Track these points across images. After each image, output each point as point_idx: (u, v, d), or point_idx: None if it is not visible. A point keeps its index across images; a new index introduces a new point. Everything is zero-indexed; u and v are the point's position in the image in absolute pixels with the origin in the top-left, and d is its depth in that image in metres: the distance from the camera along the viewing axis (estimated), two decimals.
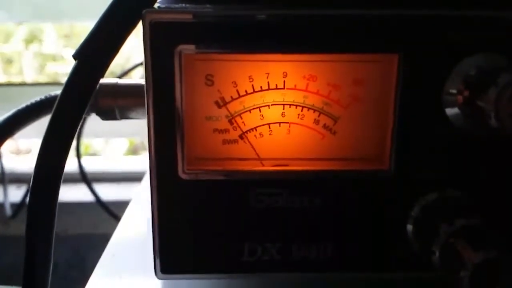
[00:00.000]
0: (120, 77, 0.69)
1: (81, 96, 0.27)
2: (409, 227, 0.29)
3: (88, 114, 0.43)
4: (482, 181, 0.29)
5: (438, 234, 0.27)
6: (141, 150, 1.19)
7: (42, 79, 1.22)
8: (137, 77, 0.90)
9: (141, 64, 0.79)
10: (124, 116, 0.42)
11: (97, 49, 0.27)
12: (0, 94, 0.99)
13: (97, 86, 0.40)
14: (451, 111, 0.27)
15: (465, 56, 0.27)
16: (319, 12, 0.27)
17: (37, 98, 0.42)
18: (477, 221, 0.26)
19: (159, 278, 0.30)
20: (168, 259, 0.30)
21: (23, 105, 0.41)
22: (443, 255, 0.26)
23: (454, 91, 0.27)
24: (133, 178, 0.96)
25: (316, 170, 0.30)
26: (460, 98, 0.26)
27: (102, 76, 0.27)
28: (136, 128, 0.80)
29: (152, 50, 0.27)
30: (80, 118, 0.27)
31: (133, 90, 0.41)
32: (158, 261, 0.30)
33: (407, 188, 0.29)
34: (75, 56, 0.27)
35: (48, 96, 0.41)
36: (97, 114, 0.42)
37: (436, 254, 0.27)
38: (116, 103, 0.41)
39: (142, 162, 1.04)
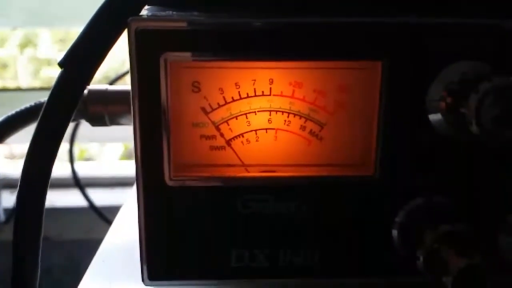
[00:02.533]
0: (113, 81, 0.69)
1: (67, 103, 0.27)
2: (394, 232, 0.30)
3: (78, 120, 0.44)
4: (466, 187, 0.29)
5: (423, 239, 0.27)
6: None
7: (37, 83, 1.22)
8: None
9: None
10: (113, 122, 0.43)
11: (82, 57, 0.27)
12: None
13: (87, 93, 0.41)
14: (434, 117, 0.28)
15: (448, 63, 0.27)
16: (304, 20, 0.27)
17: (27, 105, 0.42)
18: (461, 227, 0.27)
19: (146, 285, 0.31)
20: (155, 266, 0.30)
21: (13, 111, 0.41)
22: (427, 260, 0.27)
23: (437, 97, 0.27)
24: (127, 183, 0.96)
25: (302, 176, 0.30)
26: (443, 104, 0.27)
27: (88, 83, 0.28)
28: (131, 133, 0.80)
29: (138, 58, 0.27)
30: (66, 125, 0.28)
31: (122, 97, 0.41)
32: (145, 268, 0.30)
33: (392, 194, 0.29)
34: (60, 64, 0.27)
35: (37, 102, 0.42)
36: (87, 120, 0.42)
37: (420, 259, 0.27)
38: (106, 110, 0.41)
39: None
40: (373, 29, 0.27)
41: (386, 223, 0.30)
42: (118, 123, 0.43)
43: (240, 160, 0.31)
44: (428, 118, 0.28)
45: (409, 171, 0.29)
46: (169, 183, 0.29)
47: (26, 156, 0.27)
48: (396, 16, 0.27)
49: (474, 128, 0.24)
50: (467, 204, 0.29)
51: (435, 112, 0.27)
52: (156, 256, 0.30)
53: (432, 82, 0.27)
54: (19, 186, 0.27)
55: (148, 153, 0.29)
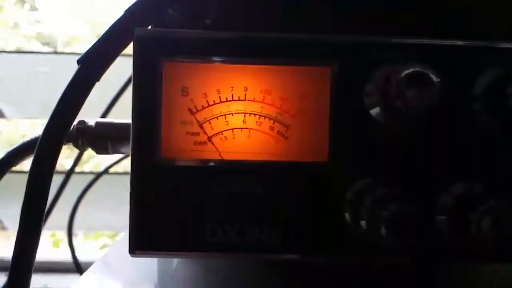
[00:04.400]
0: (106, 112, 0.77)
1: (81, 95, 0.34)
2: (347, 209, 0.35)
3: (85, 148, 0.50)
4: (405, 167, 0.35)
5: (364, 204, 0.32)
6: None
7: None
8: None
9: None
10: (115, 151, 0.49)
11: (97, 58, 0.34)
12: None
13: (94, 125, 0.48)
14: (373, 111, 0.34)
15: (377, 66, 0.34)
16: (270, 35, 0.36)
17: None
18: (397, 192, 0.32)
19: (132, 256, 0.35)
20: (140, 239, 0.35)
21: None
22: (369, 221, 0.31)
23: (372, 91, 0.34)
24: None
25: (269, 161, 0.36)
26: (376, 97, 0.33)
27: (98, 79, 0.35)
28: None
29: (139, 61, 0.35)
30: (77, 111, 0.34)
31: (123, 129, 0.48)
32: (132, 240, 0.35)
33: (342, 176, 0.35)
34: (79, 62, 0.34)
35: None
36: (92, 148, 0.49)
37: (363, 224, 0.32)
38: (110, 140, 0.48)
39: None
40: (325, 43, 0.35)
41: (338, 202, 0.35)
42: (119, 152, 0.49)
43: (219, 154, 0.37)
44: (368, 112, 0.35)
45: (356, 157, 0.35)
46: (157, 164, 0.35)
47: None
48: (341, 34, 0.36)
49: (398, 104, 0.31)
50: (406, 181, 0.35)
51: (373, 106, 0.34)
52: (141, 230, 0.35)
53: (368, 82, 0.35)
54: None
55: (141, 138, 0.35)
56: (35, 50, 1.71)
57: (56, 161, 0.33)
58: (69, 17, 1.83)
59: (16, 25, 1.82)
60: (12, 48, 1.79)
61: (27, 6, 1.85)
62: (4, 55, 1.28)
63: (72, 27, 1.82)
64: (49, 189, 0.33)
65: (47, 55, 1.34)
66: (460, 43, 0.36)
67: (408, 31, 0.35)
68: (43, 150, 0.33)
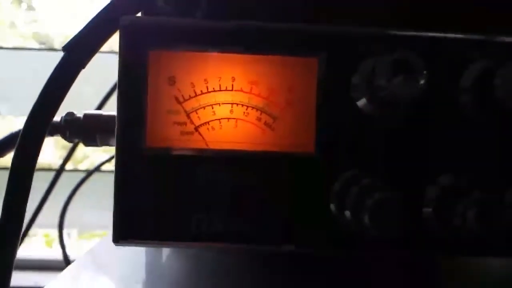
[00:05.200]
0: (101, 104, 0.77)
1: (66, 82, 0.34)
2: (332, 200, 0.34)
3: (74, 140, 0.50)
4: (390, 159, 0.35)
5: (349, 195, 0.32)
6: None
7: None
8: None
9: None
10: (104, 143, 0.49)
11: (83, 45, 0.34)
12: None
13: (83, 116, 0.47)
14: (360, 102, 0.34)
15: (363, 58, 0.34)
16: (259, 24, 0.36)
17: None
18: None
19: (116, 245, 0.34)
20: (124, 227, 0.35)
21: None
22: (354, 211, 0.31)
23: (358, 83, 0.34)
24: None
25: (256, 151, 0.36)
26: (362, 88, 0.33)
27: (83, 66, 0.34)
28: None
29: (124, 50, 0.35)
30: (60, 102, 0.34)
31: (114, 121, 0.48)
32: (116, 228, 0.34)
33: (329, 168, 0.35)
34: (64, 48, 0.34)
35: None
36: (82, 140, 0.48)
37: (347, 214, 0.32)
38: (98, 132, 0.48)
39: None
40: (313, 34, 0.35)
41: (324, 193, 0.35)
42: (108, 144, 0.49)
43: (206, 144, 0.37)
44: (355, 103, 0.35)
45: (343, 148, 0.35)
46: (142, 153, 0.35)
47: None
48: (328, 25, 0.35)
49: (384, 94, 0.31)
50: (392, 172, 0.35)
51: (359, 98, 0.34)
52: (125, 219, 0.35)
53: (354, 74, 0.34)
54: None
55: (126, 127, 0.35)
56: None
57: (38, 155, 0.33)
58: (66, 16, 1.83)
59: (12, 25, 1.82)
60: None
61: (23, 5, 1.84)
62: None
63: (68, 26, 1.82)
64: (30, 184, 0.33)
65: (42, 52, 1.35)
66: (447, 35, 0.36)
67: (395, 22, 0.35)
68: (24, 143, 0.33)
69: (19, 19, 1.84)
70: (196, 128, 0.37)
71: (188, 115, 0.37)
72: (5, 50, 1.37)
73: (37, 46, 1.82)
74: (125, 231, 0.34)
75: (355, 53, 0.35)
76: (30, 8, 1.87)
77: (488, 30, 0.36)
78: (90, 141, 0.48)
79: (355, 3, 0.39)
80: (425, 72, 0.31)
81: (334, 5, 0.39)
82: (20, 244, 0.33)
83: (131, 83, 0.35)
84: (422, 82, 0.31)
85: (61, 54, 0.34)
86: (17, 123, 1.26)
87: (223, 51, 0.36)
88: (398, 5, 0.38)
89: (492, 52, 0.35)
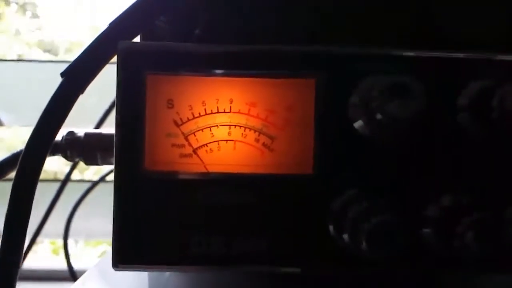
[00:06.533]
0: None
1: (65, 106, 0.34)
2: (330, 222, 0.34)
3: (75, 160, 0.50)
4: (391, 180, 0.35)
5: (347, 217, 0.32)
6: None
7: None
8: None
9: None
10: (105, 162, 0.49)
11: (81, 71, 0.35)
12: None
13: (84, 135, 0.48)
14: (357, 124, 0.34)
15: (361, 78, 0.34)
16: (254, 47, 0.36)
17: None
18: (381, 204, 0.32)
19: (116, 270, 0.34)
20: (123, 251, 0.35)
21: None
22: (352, 234, 0.31)
23: (355, 104, 0.34)
24: None
25: (254, 173, 0.36)
26: (359, 110, 0.33)
27: (82, 92, 0.35)
28: None
29: (122, 74, 0.35)
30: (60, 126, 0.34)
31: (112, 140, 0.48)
32: (114, 253, 0.35)
33: (327, 188, 0.35)
34: (62, 74, 0.34)
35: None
36: (81, 159, 0.49)
37: (345, 237, 0.32)
38: (99, 151, 0.48)
39: None
40: (311, 55, 0.35)
41: (323, 214, 0.35)
42: (109, 163, 0.49)
43: (204, 167, 0.37)
44: (352, 125, 0.35)
45: (341, 169, 0.35)
46: (141, 177, 0.35)
47: None
48: (326, 46, 0.35)
49: (379, 116, 0.30)
50: (390, 194, 0.34)
51: (356, 119, 0.34)
52: (124, 243, 0.35)
53: (351, 95, 0.34)
54: None
55: (124, 151, 0.35)
56: (36, 57, 1.72)
57: (39, 175, 0.33)
58: (70, 23, 1.84)
59: (17, 32, 1.83)
60: (14, 55, 1.80)
61: (28, 13, 1.86)
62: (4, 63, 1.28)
63: (73, 33, 1.82)
64: (31, 203, 0.33)
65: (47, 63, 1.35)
66: (445, 55, 0.36)
67: (392, 42, 0.35)
68: (26, 164, 0.33)
69: (23, 27, 1.85)
70: (195, 151, 0.37)
71: (186, 138, 0.37)
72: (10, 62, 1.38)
73: (41, 53, 1.83)
74: (124, 256, 0.35)
75: (354, 74, 0.35)
76: (35, 16, 1.88)
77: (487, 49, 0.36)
78: (91, 160, 0.48)
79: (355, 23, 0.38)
80: (421, 92, 0.31)
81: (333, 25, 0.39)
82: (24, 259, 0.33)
83: (129, 107, 0.35)
84: (417, 104, 0.31)
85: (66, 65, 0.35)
86: (23, 132, 1.27)
87: (220, 74, 0.36)
88: (399, 25, 0.38)
89: (490, 71, 0.35)
